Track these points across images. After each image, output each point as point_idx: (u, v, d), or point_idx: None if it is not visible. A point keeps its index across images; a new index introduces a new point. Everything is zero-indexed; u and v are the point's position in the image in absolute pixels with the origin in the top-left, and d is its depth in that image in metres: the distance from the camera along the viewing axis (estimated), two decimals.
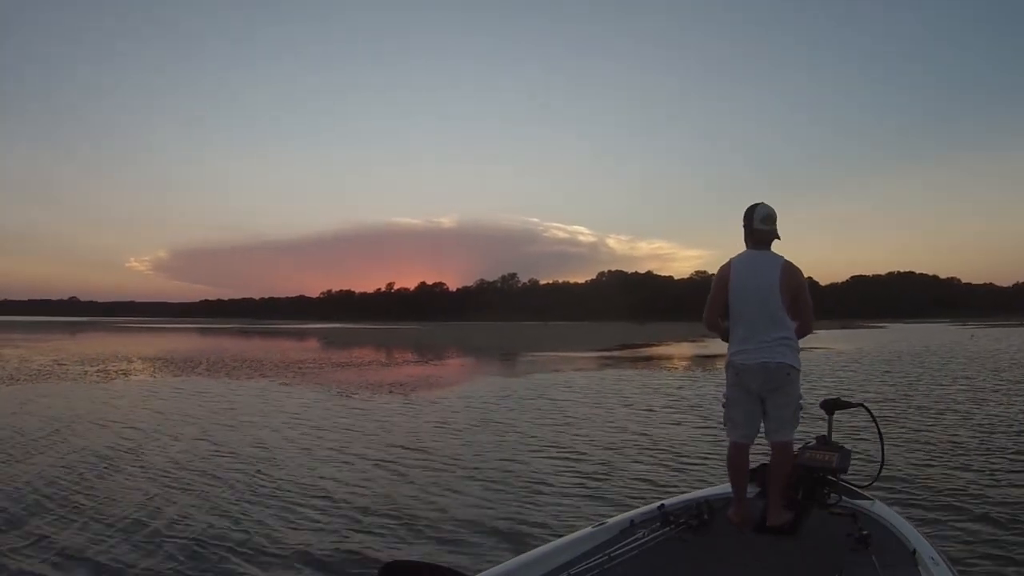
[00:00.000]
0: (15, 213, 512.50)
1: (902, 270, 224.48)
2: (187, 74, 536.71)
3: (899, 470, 8.94)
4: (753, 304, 4.43)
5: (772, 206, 4.60)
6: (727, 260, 4.64)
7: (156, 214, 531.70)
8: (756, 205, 4.59)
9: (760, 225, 4.54)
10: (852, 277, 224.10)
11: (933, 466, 9.33)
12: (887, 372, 24.44)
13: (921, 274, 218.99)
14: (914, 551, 3.61)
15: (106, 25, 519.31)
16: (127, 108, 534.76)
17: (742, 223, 4.63)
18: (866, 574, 3.39)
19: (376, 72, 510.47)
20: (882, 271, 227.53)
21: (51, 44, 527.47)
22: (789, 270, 4.43)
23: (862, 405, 4.98)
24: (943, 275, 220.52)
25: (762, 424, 4.50)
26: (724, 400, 4.64)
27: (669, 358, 35.40)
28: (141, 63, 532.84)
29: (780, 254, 4.54)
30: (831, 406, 4.85)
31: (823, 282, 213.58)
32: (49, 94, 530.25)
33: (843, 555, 3.57)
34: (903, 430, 12.09)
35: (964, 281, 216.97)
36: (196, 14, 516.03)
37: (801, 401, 4.48)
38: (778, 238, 4.59)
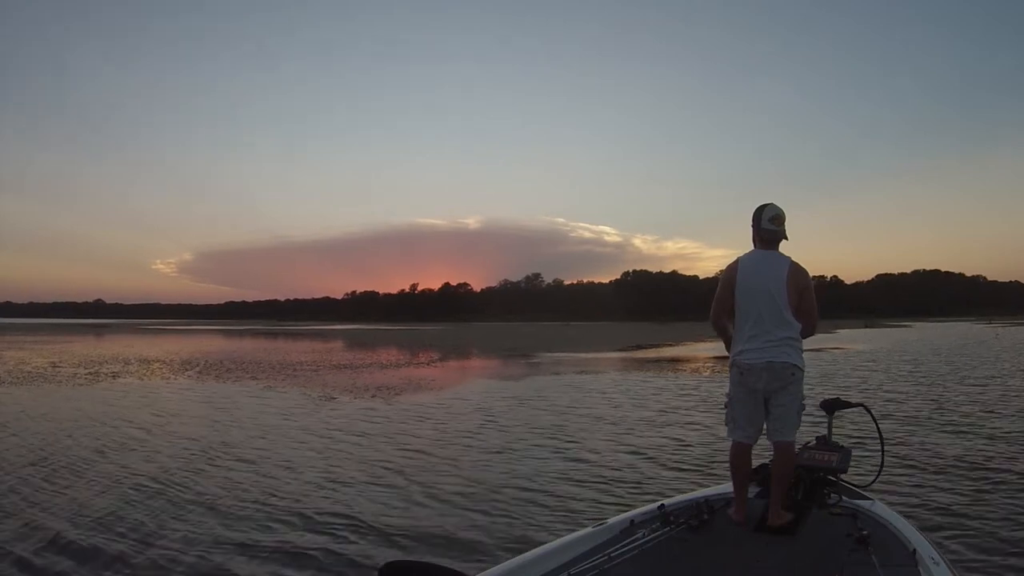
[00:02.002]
0: (41, 216, 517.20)
1: (927, 268, 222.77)
2: (211, 76, 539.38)
3: (900, 470, 8.90)
4: (760, 304, 4.44)
5: (781, 206, 4.60)
6: (735, 259, 4.66)
7: (181, 216, 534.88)
8: (765, 205, 4.60)
9: (768, 225, 4.55)
10: (877, 275, 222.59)
11: (935, 466, 9.25)
12: (902, 372, 24.08)
13: (946, 272, 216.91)
14: (914, 551, 3.61)
15: (131, 29, 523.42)
16: (152, 111, 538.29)
17: (751, 223, 4.64)
18: (866, 574, 3.38)
19: (401, 74, 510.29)
20: (907, 269, 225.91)
21: (76, 48, 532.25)
22: (796, 271, 4.44)
23: (862, 405, 4.99)
24: (968, 273, 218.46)
25: (764, 424, 4.51)
26: (727, 399, 4.63)
27: (680, 359, 34.96)
28: (165, 66, 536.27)
29: (787, 255, 4.54)
30: (831, 406, 4.87)
31: (848, 280, 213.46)
32: (74, 98, 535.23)
33: (843, 555, 3.56)
34: (908, 430, 11.99)
35: (989, 279, 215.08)
36: (222, 18, 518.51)
37: (804, 401, 4.47)
38: (786, 238, 4.60)
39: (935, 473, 8.87)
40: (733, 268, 4.60)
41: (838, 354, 35.36)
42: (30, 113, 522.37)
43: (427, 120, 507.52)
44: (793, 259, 4.51)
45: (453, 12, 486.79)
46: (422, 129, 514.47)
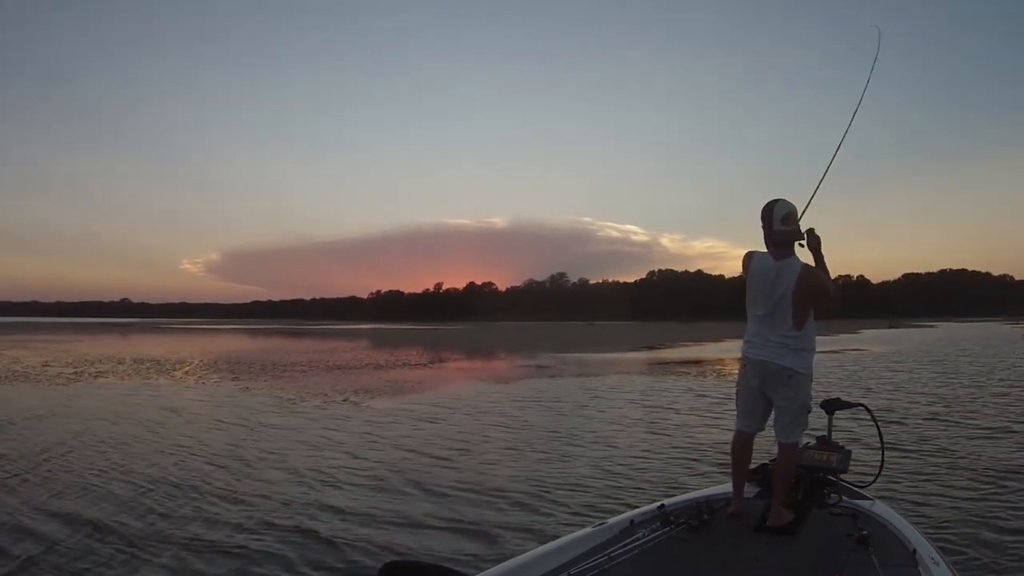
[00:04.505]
0: (68, 218, 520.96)
1: (954, 268, 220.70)
2: (237, 77, 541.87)
3: (900, 470, 8.89)
4: (765, 307, 4.41)
5: (792, 202, 4.46)
6: (750, 251, 4.58)
7: (209, 216, 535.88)
8: (775, 202, 4.43)
9: (781, 227, 4.40)
10: (904, 275, 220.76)
11: (935, 467, 9.26)
12: (921, 376, 23.61)
13: (973, 271, 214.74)
14: (914, 551, 3.62)
15: (158, 31, 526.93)
16: (179, 112, 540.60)
17: (761, 222, 4.47)
18: (866, 574, 3.39)
19: (427, 74, 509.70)
20: (934, 268, 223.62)
21: (102, 49, 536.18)
22: (806, 280, 4.32)
23: (862, 405, 4.99)
24: (996, 272, 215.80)
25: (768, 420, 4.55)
26: (736, 387, 4.69)
27: (696, 360, 34.45)
28: (192, 68, 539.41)
29: (800, 259, 4.42)
30: (831, 406, 4.88)
31: (874, 280, 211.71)
32: (101, 98, 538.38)
33: (843, 555, 3.57)
34: (910, 431, 11.98)
35: (1017, 278, 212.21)
36: (249, 20, 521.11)
37: (811, 403, 4.44)
38: (801, 237, 4.45)
39: (938, 474, 8.85)
40: (746, 266, 4.55)
41: (856, 356, 34.96)
42: (55, 116, 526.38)
43: (455, 120, 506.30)
44: (805, 264, 4.40)
45: (479, 13, 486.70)
46: (450, 129, 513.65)
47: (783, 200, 4.44)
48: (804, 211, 4.60)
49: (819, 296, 4.39)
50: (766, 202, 4.47)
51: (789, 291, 4.30)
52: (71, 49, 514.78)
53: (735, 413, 4.67)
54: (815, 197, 4.73)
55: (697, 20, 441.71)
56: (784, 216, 4.39)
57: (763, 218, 4.45)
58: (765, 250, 4.53)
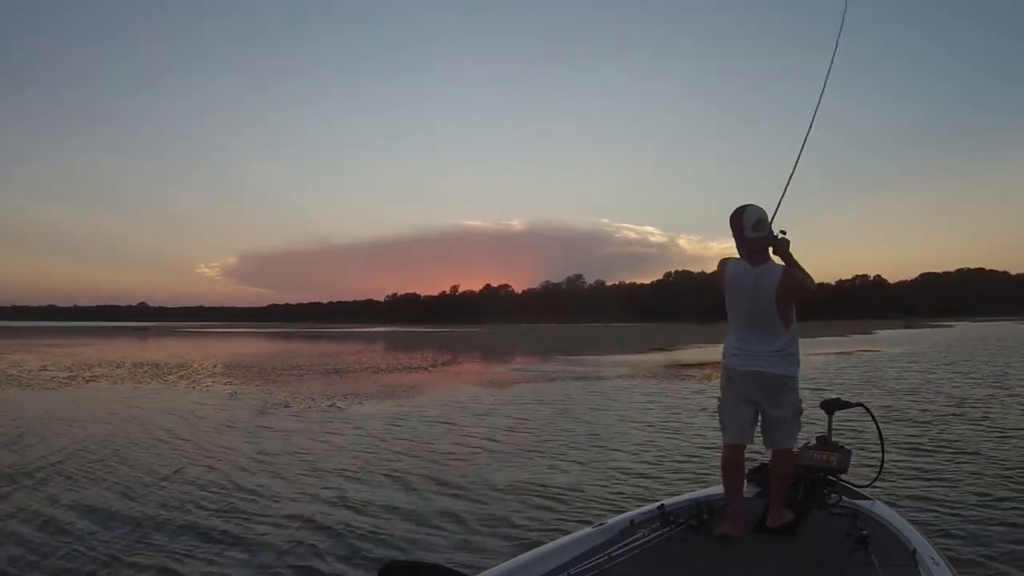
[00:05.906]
0: (85, 219, 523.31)
1: (971, 267, 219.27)
2: (252, 81, 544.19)
3: (908, 471, 8.88)
4: (748, 317, 4.32)
5: (761, 206, 4.34)
6: (724, 259, 4.48)
7: (226, 220, 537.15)
8: (743, 209, 4.31)
9: (752, 233, 4.29)
10: (921, 275, 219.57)
11: (935, 467, 9.23)
12: (935, 377, 23.37)
13: (990, 270, 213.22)
14: (914, 551, 3.62)
15: (172, 36, 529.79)
16: (196, 115, 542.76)
17: (731, 230, 4.35)
18: (866, 574, 3.39)
19: (444, 75, 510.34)
20: (950, 268, 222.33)
21: (118, 51, 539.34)
22: (786, 285, 4.22)
23: (862, 405, 4.98)
24: (1013, 271, 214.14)
25: (760, 431, 4.42)
26: (719, 402, 4.50)
27: (707, 362, 33.92)
28: (207, 70, 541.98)
29: (777, 264, 4.31)
30: (831, 406, 4.87)
31: (891, 280, 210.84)
32: (118, 101, 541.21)
33: (843, 555, 3.56)
34: (920, 432, 11.91)
35: None
36: (267, 22, 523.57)
37: (803, 406, 4.38)
38: (775, 240, 4.28)
39: (935, 473, 8.85)
40: (722, 274, 4.44)
41: (870, 356, 34.79)
42: (70, 118, 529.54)
43: (470, 122, 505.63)
44: (785, 268, 4.27)
45: (493, 14, 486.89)
46: (467, 131, 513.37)
47: (752, 206, 4.32)
48: (775, 213, 4.44)
49: (800, 295, 4.29)
50: (734, 209, 4.36)
51: (772, 298, 4.22)
52: (87, 55, 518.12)
53: (721, 429, 4.45)
54: (784, 198, 4.55)
55: (707, 20, 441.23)
56: (755, 223, 4.29)
57: (732, 226, 4.34)
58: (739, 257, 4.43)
